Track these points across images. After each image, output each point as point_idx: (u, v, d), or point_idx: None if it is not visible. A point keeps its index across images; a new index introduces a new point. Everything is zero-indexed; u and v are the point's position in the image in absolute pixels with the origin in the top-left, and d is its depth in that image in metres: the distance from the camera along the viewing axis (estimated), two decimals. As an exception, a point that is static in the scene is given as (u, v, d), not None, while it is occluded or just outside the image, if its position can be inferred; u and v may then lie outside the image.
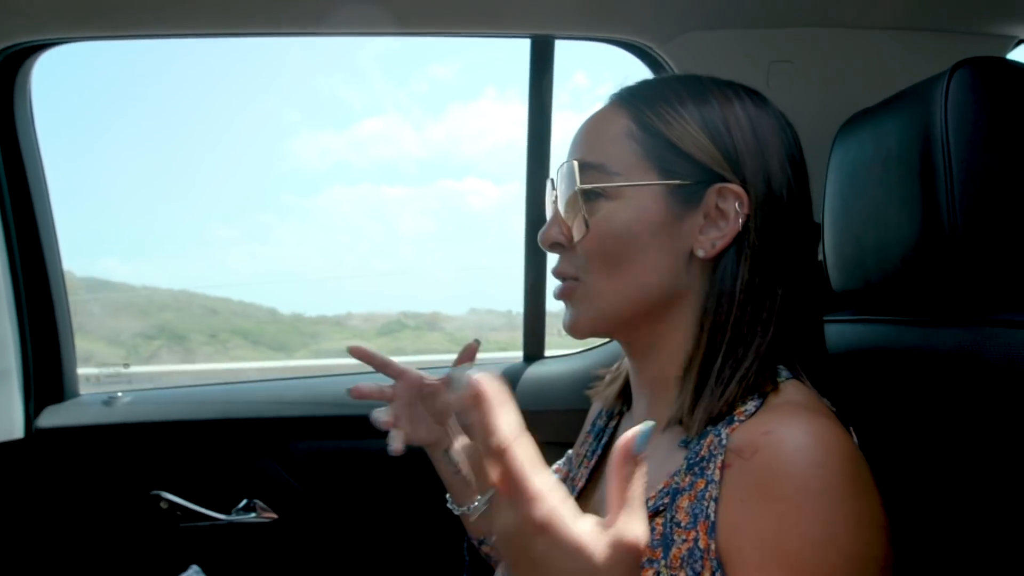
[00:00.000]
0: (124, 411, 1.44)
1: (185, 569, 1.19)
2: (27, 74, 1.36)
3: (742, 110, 0.71)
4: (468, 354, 0.99)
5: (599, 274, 0.71)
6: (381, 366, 0.98)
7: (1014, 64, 0.76)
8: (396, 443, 0.93)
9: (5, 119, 1.35)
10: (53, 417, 1.44)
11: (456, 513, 1.02)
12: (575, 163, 0.72)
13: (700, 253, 0.69)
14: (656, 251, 0.70)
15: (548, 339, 1.54)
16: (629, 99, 0.74)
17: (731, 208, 0.68)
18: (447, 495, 1.03)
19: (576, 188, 0.71)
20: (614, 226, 0.70)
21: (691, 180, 0.69)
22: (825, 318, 0.76)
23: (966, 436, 0.69)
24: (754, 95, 0.74)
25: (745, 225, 0.68)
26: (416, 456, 1.01)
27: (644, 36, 1.27)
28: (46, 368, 1.46)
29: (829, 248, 0.90)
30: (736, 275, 0.69)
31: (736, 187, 0.68)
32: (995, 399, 0.66)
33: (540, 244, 0.77)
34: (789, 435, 0.58)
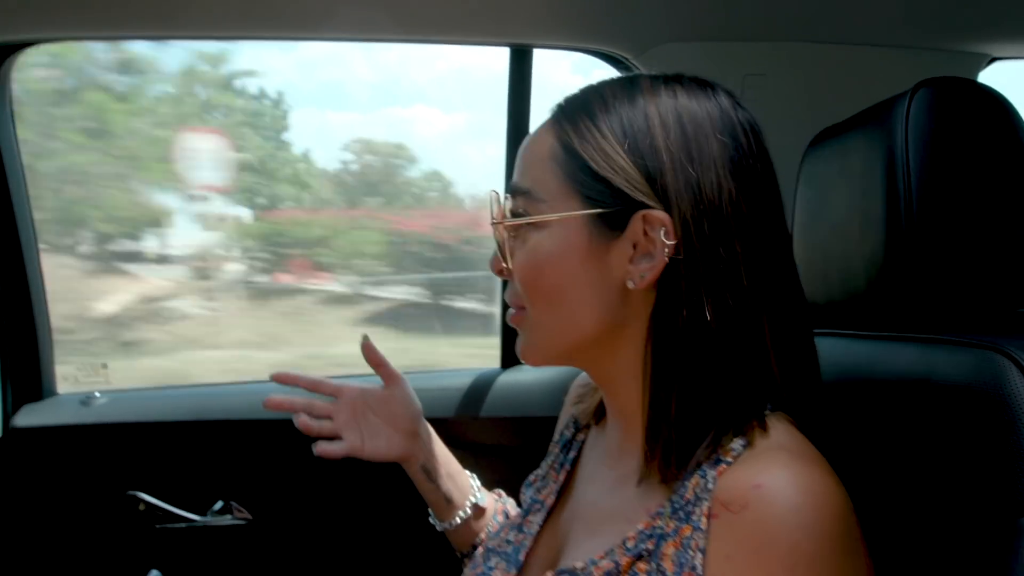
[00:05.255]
0: (101, 411, 1.45)
1: (147, 573, 1.20)
2: (8, 73, 1.36)
3: (673, 114, 0.63)
4: (370, 354, 0.95)
5: (535, 307, 0.68)
6: (312, 387, 0.95)
7: (977, 85, 0.77)
8: (322, 447, 0.92)
9: None
10: (30, 416, 1.44)
11: (439, 529, 0.99)
12: (495, 193, 0.70)
13: (630, 284, 0.63)
14: (587, 284, 0.65)
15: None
16: (559, 113, 0.68)
17: (658, 236, 0.62)
18: (429, 510, 1.00)
19: (498, 219, 0.69)
20: (539, 257, 0.66)
21: (612, 207, 0.63)
22: None
23: (916, 452, 0.70)
24: (702, 89, 0.66)
25: (676, 253, 0.62)
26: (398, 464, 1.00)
27: (620, 47, 1.28)
28: (24, 367, 1.46)
29: (798, 263, 0.91)
30: (676, 308, 0.62)
31: (659, 213, 0.61)
32: (942, 416, 0.67)
33: (491, 270, 0.73)
34: (780, 492, 0.55)
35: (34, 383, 1.48)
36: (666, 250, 0.62)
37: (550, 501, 0.80)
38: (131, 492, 1.39)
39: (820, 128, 0.94)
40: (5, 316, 1.42)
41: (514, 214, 0.69)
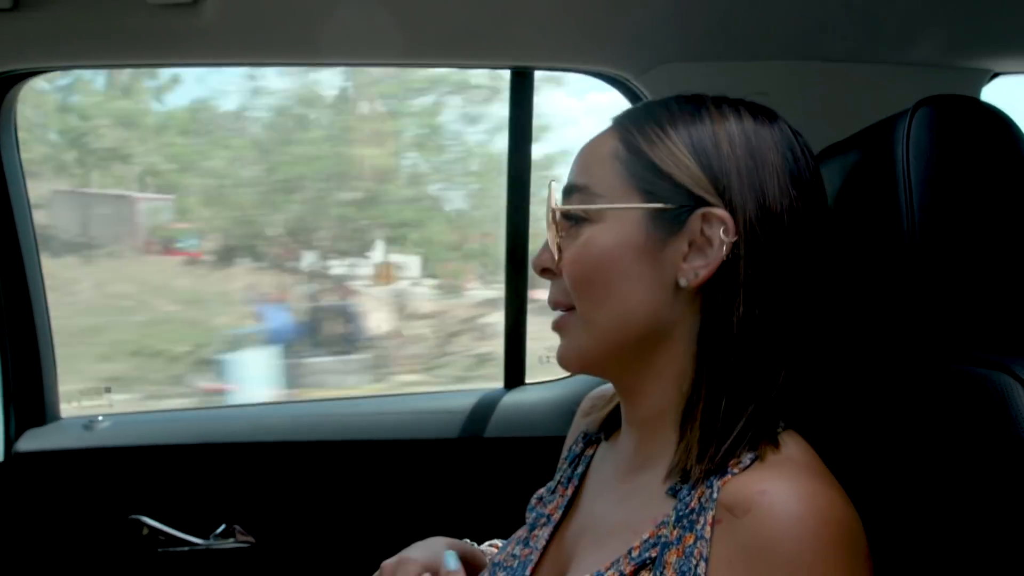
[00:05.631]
0: (104, 435, 1.44)
1: None
2: (12, 101, 1.37)
3: (738, 127, 0.66)
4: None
5: (584, 303, 0.68)
6: None
7: (977, 102, 0.77)
8: None
9: None
10: (33, 441, 1.43)
11: None
12: (552, 184, 0.70)
13: (683, 282, 0.64)
14: (639, 279, 0.65)
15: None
16: (622, 120, 0.71)
17: (716, 234, 0.63)
18: None
19: (555, 209, 0.69)
20: (593, 251, 0.66)
21: (673, 204, 0.64)
22: None
23: (921, 472, 0.69)
24: (760, 112, 0.69)
25: (733, 253, 0.63)
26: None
27: (621, 68, 1.28)
28: (28, 391, 1.46)
29: None
30: (729, 308, 0.63)
31: (721, 212, 0.63)
32: (948, 438, 0.66)
33: (533, 269, 0.74)
34: (784, 498, 0.55)
35: (37, 407, 1.47)
36: (724, 248, 0.63)
37: (556, 515, 0.80)
38: (134, 516, 1.38)
39: (822, 146, 0.94)
40: (8, 341, 1.42)
41: (562, 211, 0.69)
